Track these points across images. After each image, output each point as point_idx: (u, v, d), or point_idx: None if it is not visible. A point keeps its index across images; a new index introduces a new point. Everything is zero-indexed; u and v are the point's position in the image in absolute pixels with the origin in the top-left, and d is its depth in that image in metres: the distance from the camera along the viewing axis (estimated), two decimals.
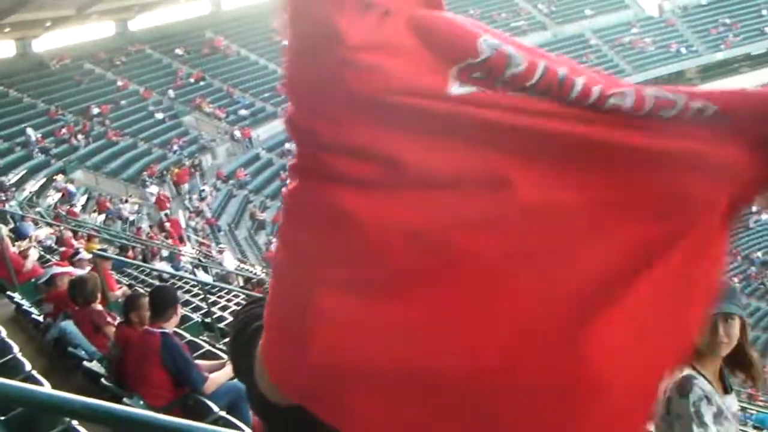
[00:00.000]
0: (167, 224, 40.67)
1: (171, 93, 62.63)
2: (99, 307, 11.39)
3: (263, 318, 1.87)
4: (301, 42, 1.65)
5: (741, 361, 5.00)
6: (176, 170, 51.16)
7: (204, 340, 13.38)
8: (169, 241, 37.76)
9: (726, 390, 4.94)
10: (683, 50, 78.14)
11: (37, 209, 34.08)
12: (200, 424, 3.86)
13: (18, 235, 21.60)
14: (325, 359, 1.65)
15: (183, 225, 43.11)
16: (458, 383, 1.62)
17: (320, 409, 1.74)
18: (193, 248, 39.41)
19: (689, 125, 1.57)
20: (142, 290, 15.35)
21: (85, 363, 9.62)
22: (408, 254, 1.60)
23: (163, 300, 8.89)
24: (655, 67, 77.02)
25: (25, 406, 5.73)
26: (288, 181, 1.76)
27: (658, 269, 1.60)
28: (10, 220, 25.32)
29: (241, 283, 27.12)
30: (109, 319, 11.34)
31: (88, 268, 14.86)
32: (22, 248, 17.01)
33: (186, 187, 50.94)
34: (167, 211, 44.06)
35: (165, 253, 31.36)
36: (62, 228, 28.10)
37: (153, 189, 47.59)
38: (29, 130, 48.78)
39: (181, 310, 9.68)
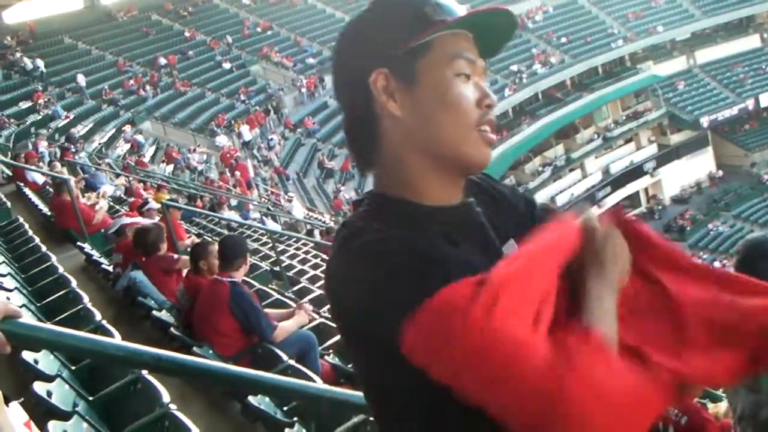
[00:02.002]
0: (237, 173, 40.91)
1: (229, 38, 63.00)
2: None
3: None
4: None
5: None
6: (241, 123, 51.34)
7: (273, 289, 13.43)
8: (238, 189, 37.96)
9: None
10: None
11: (106, 160, 34.32)
12: (267, 374, 3.83)
13: (88, 185, 21.75)
14: None
15: (251, 174, 43.32)
16: None
17: None
18: (261, 197, 39.59)
19: None
20: (210, 239, 15.42)
21: (154, 312, 9.65)
22: None
23: (232, 249, 8.87)
24: (725, 12, 76.06)
25: (95, 358, 5.73)
26: None
27: None
28: (80, 172, 25.48)
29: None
30: (175, 256, 11.45)
31: (157, 218, 14.95)
32: (90, 202, 17.09)
33: (255, 132, 51.39)
34: (234, 160, 44.31)
35: (233, 202, 31.52)
36: (131, 178, 28.31)
37: (222, 139, 47.91)
38: (80, 77, 49.22)
39: (250, 259, 9.65)
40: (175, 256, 11.60)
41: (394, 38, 2.02)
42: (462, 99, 2.00)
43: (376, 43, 2.04)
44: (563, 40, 72.04)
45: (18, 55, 49.60)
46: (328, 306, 12.49)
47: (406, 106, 2.01)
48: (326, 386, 4.58)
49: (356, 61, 2.07)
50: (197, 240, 15.15)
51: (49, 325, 3.82)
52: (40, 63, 48.85)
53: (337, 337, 9.60)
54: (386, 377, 1.87)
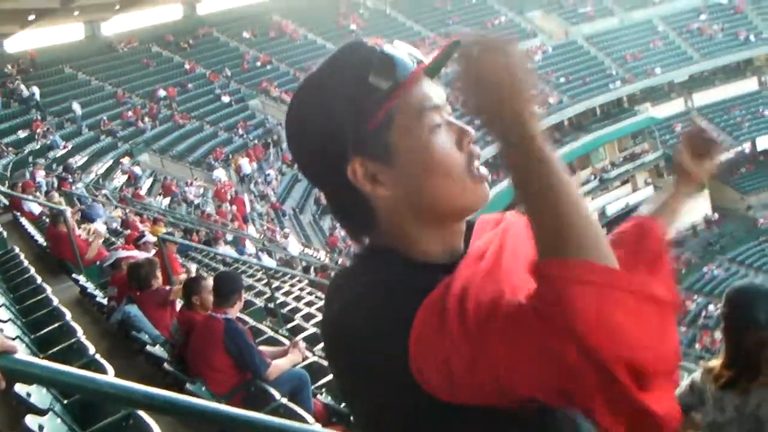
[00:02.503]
0: (233, 207, 40.95)
1: (227, 71, 63.24)
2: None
3: None
4: None
5: None
6: (239, 158, 51.41)
7: (267, 326, 13.42)
8: (235, 224, 38.00)
9: None
10: (752, 38, 77.30)
11: (103, 191, 34.36)
12: (261, 415, 3.83)
13: (85, 216, 21.75)
14: None
15: (248, 209, 43.36)
16: None
17: None
18: (258, 232, 39.59)
19: None
20: (205, 274, 15.40)
21: (148, 347, 9.65)
22: None
23: (226, 285, 8.88)
24: (723, 55, 76.54)
25: (87, 395, 5.73)
26: None
27: None
28: (77, 202, 25.50)
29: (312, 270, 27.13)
30: (168, 287, 11.48)
31: (153, 252, 14.95)
32: (84, 236, 17.03)
33: (254, 166, 51.62)
34: (233, 193, 44.45)
35: (229, 237, 31.53)
36: (127, 211, 28.31)
37: (220, 173, 48.02)
38: (75, 105, 49.53)
39: (245, 295, 9.63)
40: (168, 287, 11.63)
41: (353, 123, 1.90)
42: (445, 155, 1.91)
43: (337, 133, 1.91)
44: (562, 80, 72.28)
45: (17, 83, 49.72)
46: (322, 345, 12.50)
47: (392, 182, 1.92)
48: (319, 428, 4.59)
49: (324, 155, 1.95)
50: (193, 271, 15.17)
51: (44, 362, 3.84)
52: (35, 90, 49.02)
53: (331, 376, 9.60)
54: (392, 404, 1.80)
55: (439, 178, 1.90)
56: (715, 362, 5.20)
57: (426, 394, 1.69)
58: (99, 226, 17.72)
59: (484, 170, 1.96)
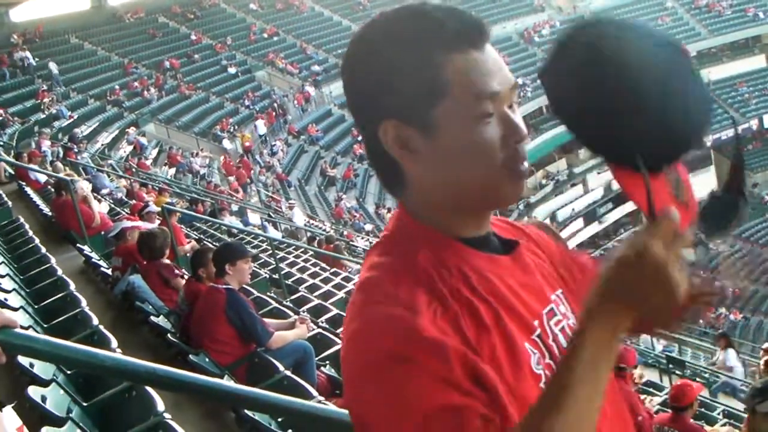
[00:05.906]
0: (233, 176, 41.01)
1: (234, 42, 63.26)
2: (167, 261, 11.40)
3: None
4: None
5: None
6: (246, 135, 51.46)
7: (271, 297, 13.39)
8: (239, 194, 38.01)
9: None
10: (761, 14, 76.78)
11: (109, 162, 34.32)
12: (263, 392, 3.81)
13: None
14: None
15: (254, 177, 43.50)
16: None
17: None
18: (261, 202, 39.68)
19: None
20: (210, 245, 15.39)
21: (152, 318, 9.62)
22: None
23: (224, 255, 8.88)
24: (731, 31, 76.26)
25: (87, 369, 5.71)
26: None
27: None
28: (83, 172, 25.46)
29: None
30: (177, 272, 11.38)
31: (158, 222, 14.92)
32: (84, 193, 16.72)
33: (264, 130, 52.58)
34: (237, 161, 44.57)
35: (234, 207, 31.51)
36: (132, 181, 28.29)
37: (227, 144, 48.16)
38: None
39: (249, 266, 9.46)
40: (176, 271, 11.52)
41: (402, 83, 1.78)
42: (486, 146, 1.79)
43: (381, 87, 1.80)
44: None
45: (25, 53, 49.51)
46: (326, 317, 12.55)
47: (425, 155, 1.81)
48: (322, 405, 4.55)
49: (365, 104, 1.87)
50: (196, 245, 15.12)
51: (44, 336, 3.80)
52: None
53: (335, 348, 9.59)
54: None
55: (473, 166, 1.79)
56: None
57: None
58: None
59: (523, 169, 1.84)
